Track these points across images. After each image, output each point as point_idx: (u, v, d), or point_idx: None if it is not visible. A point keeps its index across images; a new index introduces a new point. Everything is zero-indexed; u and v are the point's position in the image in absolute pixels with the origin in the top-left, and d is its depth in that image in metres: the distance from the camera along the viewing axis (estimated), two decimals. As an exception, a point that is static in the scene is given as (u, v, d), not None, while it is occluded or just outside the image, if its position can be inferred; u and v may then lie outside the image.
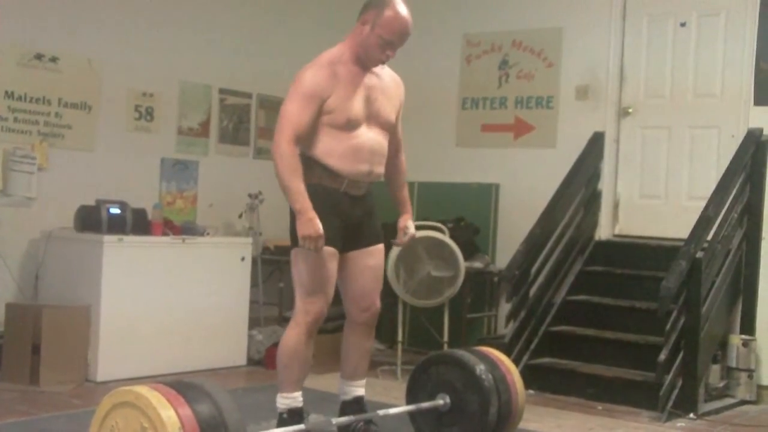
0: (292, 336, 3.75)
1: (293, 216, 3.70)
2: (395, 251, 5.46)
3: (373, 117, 3.80)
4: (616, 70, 6.32)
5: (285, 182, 3.62)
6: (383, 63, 3.79)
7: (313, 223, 3.59)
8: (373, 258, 3.94)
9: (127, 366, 5.27)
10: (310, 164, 3.72)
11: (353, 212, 3.82)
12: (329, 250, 3.72)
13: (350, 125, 3.72)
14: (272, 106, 6.92)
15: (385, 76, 3.89)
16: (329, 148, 3.72)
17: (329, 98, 3.67)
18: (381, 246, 3.98)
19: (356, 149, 3.74)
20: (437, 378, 4.05)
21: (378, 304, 4.00)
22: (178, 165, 6.42)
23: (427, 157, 6.62)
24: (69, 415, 4.50)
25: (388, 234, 4.12)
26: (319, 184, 3.72)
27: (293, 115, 3.64)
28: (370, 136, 3.79)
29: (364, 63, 3.78)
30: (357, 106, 3.73)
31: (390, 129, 3.90)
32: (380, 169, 3.87)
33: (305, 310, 3.74)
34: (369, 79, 3.80)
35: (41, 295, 5.48)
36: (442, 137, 6.97)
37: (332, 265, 3.77)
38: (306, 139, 3.72)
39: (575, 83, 6.47)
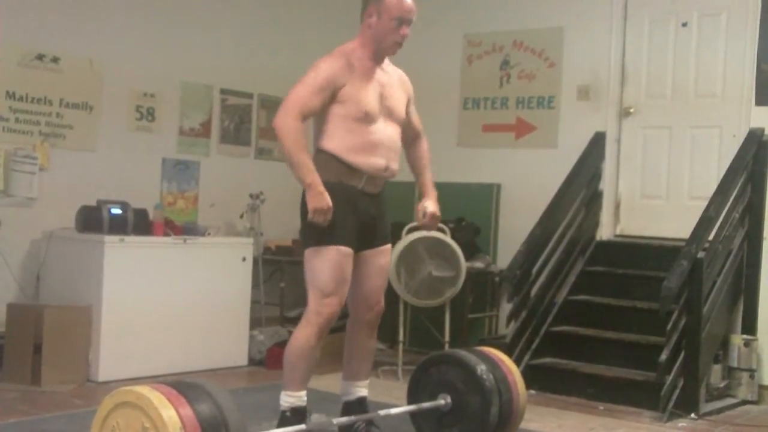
0: (303, 335, 3.75)
1: (304, 217, 3.70)
2: (396, 251, 5.46)
3: (387, 113, 3.83)
4: (618, 70, 6.32)
5: (293, 158, 3.63)
6: (400, 45, 3.80)
7: (323, 197, 3.60)
8: (383, 257, 3.96)
9: (128, 366, 5.27)
10: (329, 161, 3.72)
11: (369, 211, 3.83)
12: (346, 251, 3.73)
13: (368, 119, 3.74)
14: (273, 106, 6.91)
15: (393, 74, 3.94)
16: (348, 143, 3.73)
17: (344, 87, 3.70)
18: (390, 246, 4.03)
19: (374, 144, 3.76)
20: (438, 378, 4.05)
21: (383, 303, 4.02)
22: (180, 165, 6.42)
23: (428, 157, 6.59)
24: (70, 415, 4.50)
25: (394, 234, 4.12)
26: (339, 183, 3.72)
27: (303, 96, 3.66)
28: (387, 131, 3.82)
29: (379, 56, 3.82)
30: (373, 100, 3.77)
31: (401, 125, 3.94)
32: (395, 165, 3.88)
33: (318, 310, 3.73)
34: (381, 76, 3.84)
35: (42, 295, 5.49)
36: (444, 137, 6.95)
37: (349, 266, 3.77)
38: (323, 133, 3.75)
39: (576, 83, 6.47)
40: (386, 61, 3.92)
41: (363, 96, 3.73)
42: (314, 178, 3.61)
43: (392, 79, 3.90)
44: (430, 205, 4.05)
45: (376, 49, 3.81)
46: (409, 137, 4.06)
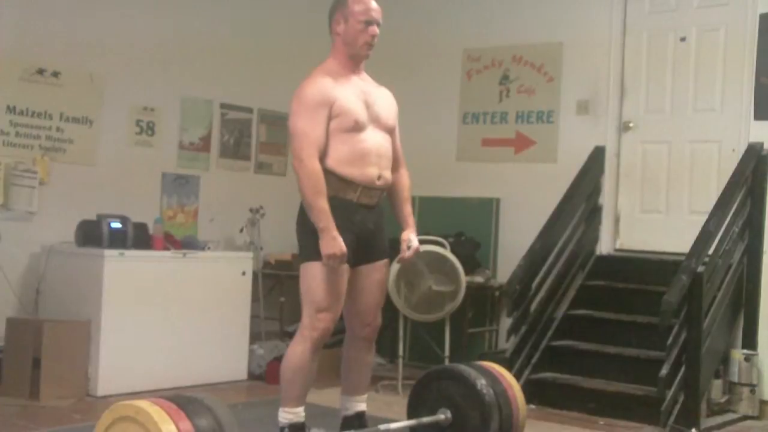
0: (297, 351, 3.74)
1: (302, 230, 3.70)
2: (396, 265, 5.45)
3: (374, 120, 3.83)
4: (617, 84, 6.33)
5: (309, 201, 3.63)
6: (371, 45, 3.82)
7: (336, 242, 3.60)
8: (380, 273, 3.94)
9: (127, 380, 5.26)
10: (325, 176, 3.69)
11: (366, 225, 3.82)
12: (342, 267, 3.72)
13: (358, 127, 3.74)
14: (273, 120, 6.95)
15: (376, 85, 3.95)
16: (339, 154, 3.72)
17: (335, 103, 3.70)
18: (387, 261, 4.00)
19: (364, 153, 3.75)
20: (438, 393, 4.04)
21: (380, 319, 4.00)
22: (179, 179, 6.43)
23: (427, 172, 6.61)
24: (69, 430, 4.50)
25: (393, 249, 4.10)
26: (334, 197, 3.71)
27: (308, 129, 3.66)
28: (376, 139, 3.81)
29: (355, 61, 3.85)
30: (360, 108, 3.78)
31: (391, 132, 3.93)
32: (388, 174, 3.87)
33: (312, 325, 3.73)
34: (361, 85, 3.86)
35: (42, 310, 5.48)
36: (443, 152, 6.98)
37: (344, 282, 3.76)
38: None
39: (576, 98, 6.48)
40: (368, 77, 3.93)
41: (350, 105, 3.74)
42: (328, 224, 3.60)
43: (374, 88, 3.92)
44: (414, 239, 4.02)
45: (350, 54, 3.82)
46: (392, 163, 3.96)
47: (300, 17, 7.03)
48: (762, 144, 5.70)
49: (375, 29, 3.80)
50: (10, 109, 5.51)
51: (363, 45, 3.81)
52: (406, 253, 4.01)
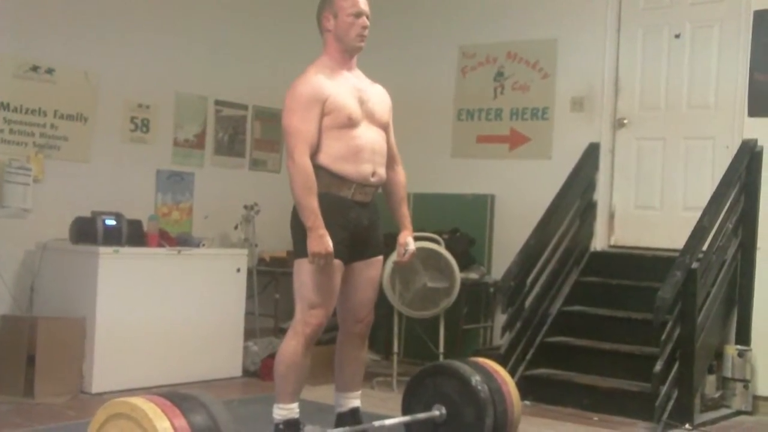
0: (290, 346, 3.75)
1: (296, 227, 3.71)
2: (391, 262, 5.45)
3: (368, 116, 3.83)
4: (611, 81, 6.34)
5: (299, 198, 3.64)
6: (363, 37, 3.83)
7: (323, 241, 3.60)
8: (374, 269, 3.95)
9: (122, 377, 5.25)
10: (318, 173, 3.71)
11: (360, 221, 3.82)
12: (335, 263, 3.72)
13: (351, 123, 3.75)
14: (268, 117, 6.94)
15: (369, 82, 3.95)
16: (333, 151, 3.73)
17: (327, 99, 3.71)
18: (381, 257, 4.00)
19: (358, 149, 3.75)
20: (433, 389, 4.05)
21: (372, 315, 4.01)
22: (174, 176, 6.42)
23: (422, 168, 6.60)
24: (64, 427, 4.49)
25: (388, 245, 4.11)
26: (327, 194, 3.72)
27: (300, 126, 3.67)
28: (369, 135, 3.81)
29: (348, 55, 3.85)
30: (353, 104, 3.78)
31: (385, 129, 3.93)
32: (382, 171, 3.88)
33: (305, 321, 3.73)
34: (355, 81, 3.86)
35: (36, 307, 5.47)
36: (438, 148, 6.98)
37: (337, 278, 3.76)
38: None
39: (570, 95, 6.48)
40: (361, 73, 3.94)
41: (343, 101, 3.75)
42: (316, 222, 3.61)
43: (368, 85, 3.92)
44: (412, 242, 4.05)
45: (342, 49, 3.83)
46: (387, 161, 3.97)
47: (294, 14, 7.02)
48: (756, 140, 5.71)
49: (365, 20, 3.82)
50: (4, 106, 5.50)
51: (355, 37, 3.81)
52: (404, 257, 4.05)
